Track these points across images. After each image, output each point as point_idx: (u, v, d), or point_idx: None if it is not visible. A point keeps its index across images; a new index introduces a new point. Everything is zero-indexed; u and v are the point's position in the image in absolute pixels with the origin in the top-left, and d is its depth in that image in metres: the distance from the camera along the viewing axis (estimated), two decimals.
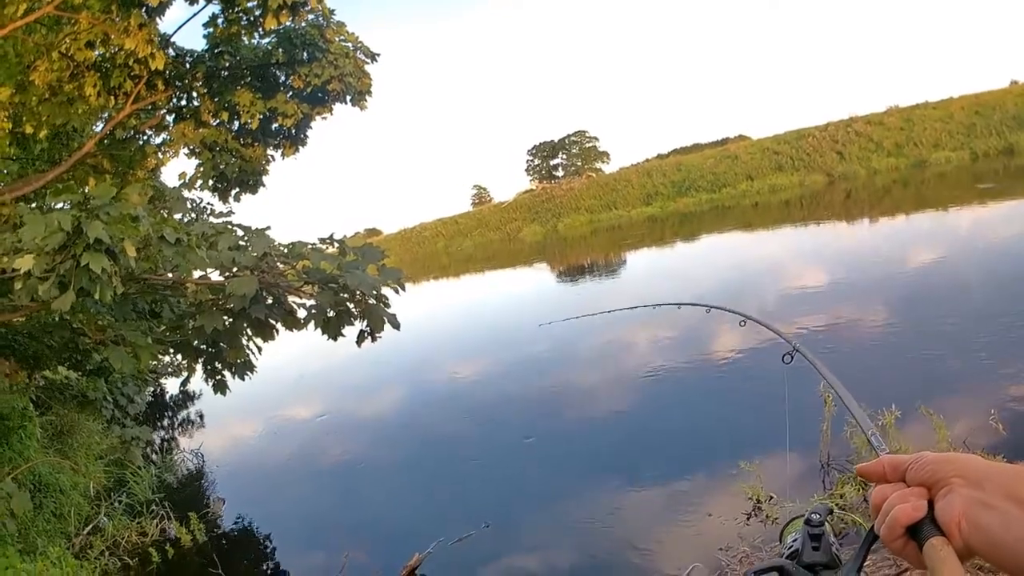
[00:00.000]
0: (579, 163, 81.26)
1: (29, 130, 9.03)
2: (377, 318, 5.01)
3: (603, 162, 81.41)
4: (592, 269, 31.27)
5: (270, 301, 5.23)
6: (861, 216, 29.15)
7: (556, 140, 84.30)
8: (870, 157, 45.76)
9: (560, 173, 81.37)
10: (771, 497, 6.61)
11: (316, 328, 5.16)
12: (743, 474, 6.81)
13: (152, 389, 17.07)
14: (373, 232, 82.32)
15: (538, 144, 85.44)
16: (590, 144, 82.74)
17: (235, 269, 5.24)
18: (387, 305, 5.10)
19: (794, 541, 1.35)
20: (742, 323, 4.99)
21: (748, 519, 6.53)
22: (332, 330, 5.10)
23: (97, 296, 4.50)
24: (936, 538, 0.81)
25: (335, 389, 17.03)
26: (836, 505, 6.12)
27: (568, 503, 7.88)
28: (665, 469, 8.29)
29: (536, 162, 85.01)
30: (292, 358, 18.50)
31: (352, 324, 5.18)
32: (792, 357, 3.49)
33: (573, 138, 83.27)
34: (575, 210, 58.01)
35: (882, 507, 0.90)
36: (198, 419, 15.94)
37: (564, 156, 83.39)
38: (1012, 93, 46.92)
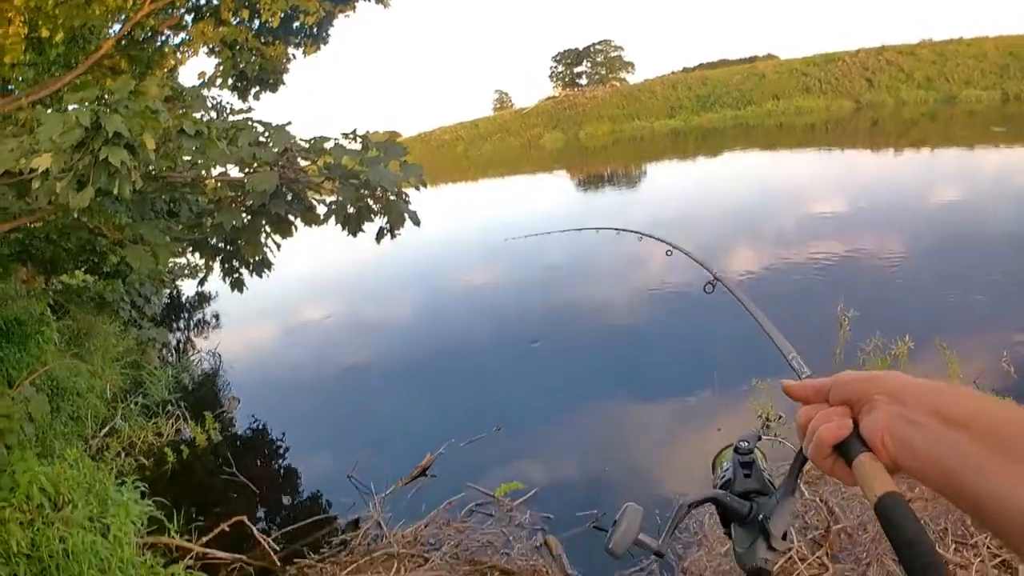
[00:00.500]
0: (603, 72, 79.76)
1: (45, 34, 8.85)
2: (398, 214, 4.96)
3: (628, 72, 79.87)
4: (607, 179, 30.95)
5: (290, 197, 5.18)
6: (886, 146, 28.68)
7: (581, 48, 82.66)
8: (899, 87, 44.76)
9: (584, 81, 79.98)
10: (780, 416, 6.63)
11: (336, 224, 5.13)
12: (754, 392, 6.81)
13: (168, 291, 17.13)
14: (393, 134, 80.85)
15: (563, 51, 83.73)
16: (615, 53, 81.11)
17: (255, 165, 5.18)
18: (407, 201, 5.05)
19: (726, 471, 1.32)
20: (668, 253, 4.88)
21: (757, 438, 6.56)
22: (352, 226, 5.07)
23: (116, 191, 4.45)
24: (864, 454, 0.82)
25: (349, 293, 17.10)
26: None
27: (578, 411, 7.95)
28: (674, 382, 8.33)
29: (560, 69, 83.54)
30: (305, 265, 18.56)
31: (372, 220, 5.14)
32: (713, 287, 3.37)
33: (598, 46, 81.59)
34: (597, 119, 56.71)
35: (808, 427, 0.91)
36: (214, 320, 16.02)
37: (588, 64, 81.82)
38: None
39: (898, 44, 49.12)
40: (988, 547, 4.42)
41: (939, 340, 6.57)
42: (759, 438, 1.27)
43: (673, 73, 66.12)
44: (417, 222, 5.09)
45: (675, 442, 7.13)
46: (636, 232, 3.97)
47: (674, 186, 26.19)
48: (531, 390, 9.03)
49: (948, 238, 12.53)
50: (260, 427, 9.68)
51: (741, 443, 1.31)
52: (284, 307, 15.86)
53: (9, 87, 9.66)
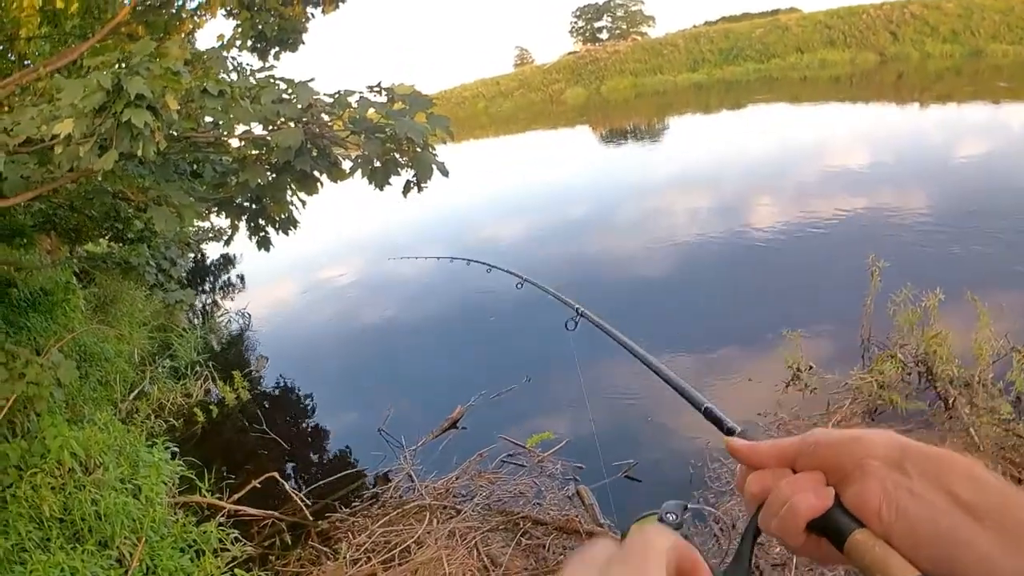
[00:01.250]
0: (624, 26, 79.10)
1: (60, 4, 8.82)
2: (425, 166, 4.94)
3: (649, 26, 79.11)
4: (630, 133, 30.71)
5: (315, 153, 5.17)
6: (911, 100, 28.25)
7: (601, 2, 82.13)
8: (924, 41, 43.94)
9: (604, 36, 79.33)
10: (811, 367, 6.62)
11: (363, 178, 5.12)
12: (785, 342, 6.79)
13: (194, 255, 17.28)
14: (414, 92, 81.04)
15: (583, 6, 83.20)
16: (636, 7, 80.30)
17: (279, 121, 5.17)
18: (435, 153, 5.02)
19: None
20: (519, 286, 4.77)
21: (787, 387, 6.57)
22: (379, 179, 5.05)
23: (140, 152, 4.45)
24: (860, 531, 0.69)
25: (372, 250, 17.16)
26: (875, 382, 6.12)
27: (605, 361, 7.93)
28: (707, 335, 8.32)
29: (580, 24, 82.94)
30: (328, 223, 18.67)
31: (399, 174, 5.13)
32: (576, 323, 3.22)
33: (619, 1, 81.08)
34: (619, 73, 56.24)
35: (768, 499, 0.77)
36: (239, 282, 16.21)
37: (609, 19, 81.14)
38: None
39: None
40: None
41: (970, 293, 6.49)
42: (685, 508, 0.97)
43: (695, 27, 65.13)
44: (445, 173, 5.06)
45: (706, 393, 7.12)
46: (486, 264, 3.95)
47: (696, 142, 25.93)
48: (560, 340, 9.04)
49: (977, 192, 12.37)
50: (289, 385, 9.77)
51: (667, 515, 0.99)
52: (308, 266, 16.00)
53: (26, 63, 9.65)
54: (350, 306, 12.98)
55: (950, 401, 5.81)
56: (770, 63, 48.54)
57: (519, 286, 4.67)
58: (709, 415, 1.15)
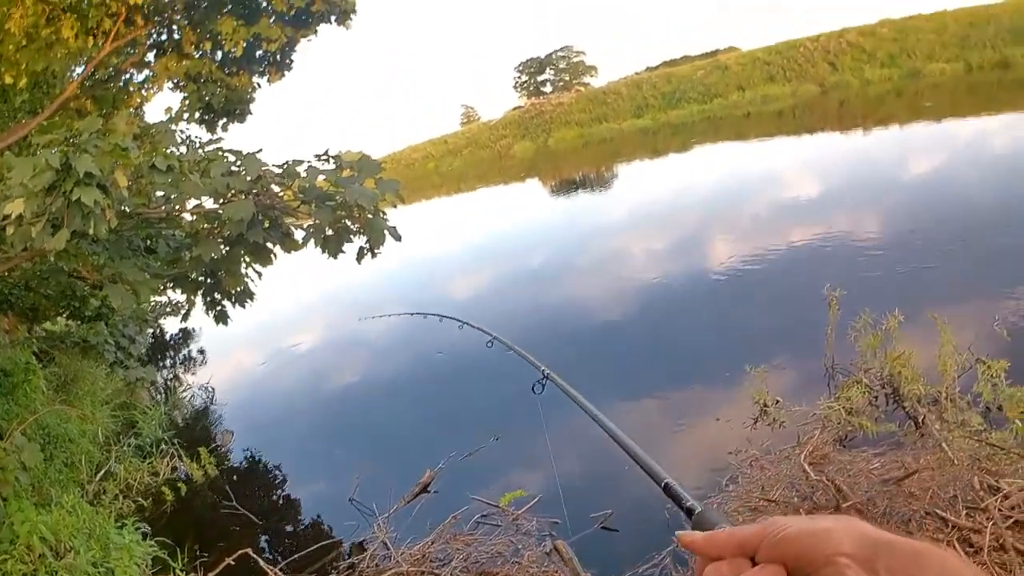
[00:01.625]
0: (567, 78, 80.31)
1: (9, 80, 8.80)
2: (378, 232, 4.92)
3: (591, 76, 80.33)
4: (578, 182, 30.98)
5: (267, 224, 5.14)
6: (854, 126, 28.90)
7: (543, 56, 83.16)
8: (863, 68, 45.14)
9: (548, 89, 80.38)
10: (777, 401, 6.64)
11: (316, 247, 5.08)
12: (749, 378, 6.80)
13: (152, 331, 17.08)
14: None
15: (525, 60, 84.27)
16: (577, 59, 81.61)
17: (230, 194, 5.14)
18: (386, 218, 5.01)
19: None
20: (489, 344, 4.76)
21: (755, 423, 6.57)
22: (332, 248, 5.02)
23: (92, 231, 4.43)
24: None
25: (331, 315, 17.08)
26: (843, 409, 6.15)
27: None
28: (673, 377, 8.32)
29: (524, 78, 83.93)
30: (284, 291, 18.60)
31: (351, 241, 5.10)
32: (543, 386, 3.20)
33: (560, 53, 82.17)
34: (565, 124, 57.10)
35: None
36: (199, 356, 16.01)
37: (552, 71, 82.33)
38: (1007, 7, 46.20)
39: (859, 26, 49.60)
40: (1000, 510, 4.43)
41: (930, 312, 6.57)
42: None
43: (637, 74, 66.41)
44: (398, 237, 5.04)
45: (676, 437, 7.10)
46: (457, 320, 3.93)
47: (645, 186, 26.34)
48: (527, 399, 8.98)
49: (921, 209, 12.66)
50: (257, 458, 9.62)
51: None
52: (269, 334, 15.86)
53: None
54: (314, 372, 12.86)
55: (920, 419, 5.86)
56: (713, 103, 49.48)
57: (489, 344, 4.65)
58: (669, 491, 1.13)
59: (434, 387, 10.48)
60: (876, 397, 6.45)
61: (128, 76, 10.93)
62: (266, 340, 15.60)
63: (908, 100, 33.45)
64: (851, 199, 15.03)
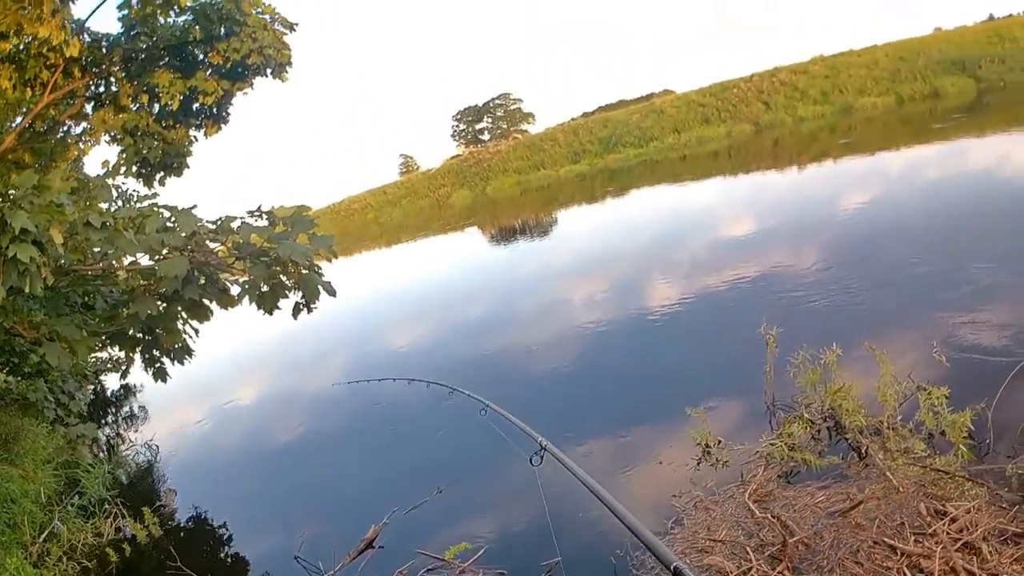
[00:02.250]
0: (504, 125, 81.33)
1: None
2: (312, 288, 4.91)
3: (528, 123, 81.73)
4: (517, 230, 31.21)
5: (202, 281, 5.09)
6: (788, 163, 29.61)
7: (480, 104, 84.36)
8: (796, 105, 46.41)
9: (486, 136, 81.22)
10: (720, 441, 6.68)
11: (251, 304, 5.05)
12: (690, 419, 6.83)
13: (93, 387, 16.74)
14: (302, 208, 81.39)
15: (462, 109, 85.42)
16: (514, 106, 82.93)
17: (164, 251, 5.09)
18: (320, 274, 5.00)
19: None
20: (483, 412, 4.78)
21: (698, 464, 6.59)
22: (267, 304, 4.98)
23: (28, 289, 4.37)
24: None
25: (272, 368, 16.90)
26: (785, 445, 6.21)
27: (517, 460, 7.88)
28: (613, 422, 8.31)
29: (461, 127, 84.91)
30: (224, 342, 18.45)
31: (287, 297, 5.07)
32: (541, 458, 3.22)
33: (497, 101, 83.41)
34: (503, 172, 58.20)
35: None
36: (142, 412, 15.69)
37: (489, 119, 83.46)
38: (936, 39, 48.14)
39: (790, 64, 51.06)
40: (948, 533, 4.49)
41: (867, 343, 6.69)
42: None
43: (573, 119, 67.92)
44: (332, 293, 5.03)
45: (619, 482, 7.10)
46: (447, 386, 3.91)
47: (579, 230, 26.68)
48: (464, 449, 8.93)
49: (856, 244, 12.95)
50: (201, 516, 9.41)
51: None
52: (212, 391, 15.60)
53: None
54: (255, 426, 12.68)
55: (863, 450, 5.93)
56: (649, 146, 50.55)
57: (483, 412, 4.61)
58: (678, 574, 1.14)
59: (372, 440, 10.37)
60: (818, 431, 6.52)
61: (66, 128, 10.84)
62: (208, 396, 15.34)
63: (840, 135, 34.32)
64: (784, 236, 15.37)
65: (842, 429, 6.34)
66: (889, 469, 5.46)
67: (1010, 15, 52.27)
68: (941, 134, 25.80)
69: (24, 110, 9.71)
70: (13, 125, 10.03)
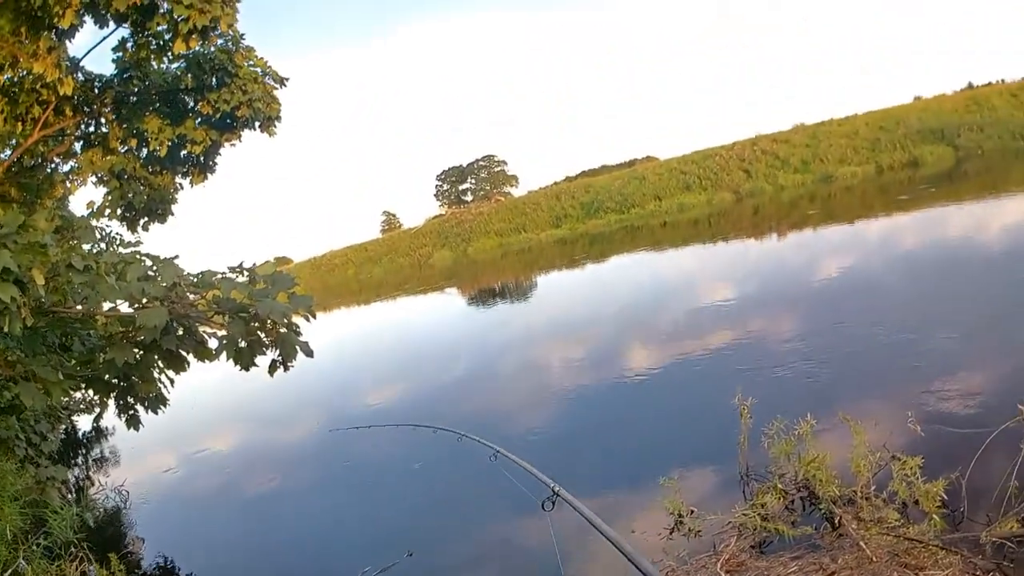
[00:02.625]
0: (488, 187, 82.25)
1: None
2: (289, 346, 4.93)
3: (512, 186, 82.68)
4: (496, 293, 31.35)
5: (181, 332, 5.10)
6: (768, 231, 29.97)
7: (464, 165, 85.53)
8: (776, 174, 47.25)
9: (469, 198, 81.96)
10: (692, 510, 6.65)
11: (228, 359, 5.05)
12: (664, 489, 6.81)
13: (65, 427, 16.53)
14: (283, 260, 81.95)
15: (446, 169, 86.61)
16: (498, 168, 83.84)
17: (144, 300, 5.10)
18: (298, 333, 5.02)
19: None
20: (493, 457, 4.80)
21: (671, 533, 6.57)
22: (244, 360, 5.00)
23: (6, 328, 4.37)
24: None
25: (245, 420, 16.74)
26: (758, 515, 6.21)
27: (488, 526, 7.82)
28: (586, 490, 8.24)
29: (445, 187, 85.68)
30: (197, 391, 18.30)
31: (264, 354, 5.09)
32: (553, 504, 3.23)
33: (481, 163, 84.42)
34: (485, 234, 58.78)
35: None
36: (112, 456, 15.49)
37: (473, 181, 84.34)
38: (915, 108, 49.29)
39: (772, 133, 52.19)
40: None
41: (841, 413, 6.73)
42: None
43: (556, 183, 69.18)
44: (309, 353, 5.05)
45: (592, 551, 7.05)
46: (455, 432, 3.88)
47: (559, 295, 26.85)
48: (438, 510, 8.86)
49: (829, 312, 13.09)
50: (167, 564, 9.26)
51: None
52: (182, 437, 15.42)
53: None
54: (226, 477, 12.46)
55: (836, 520, 5.92)
56: (631, 212, 51.28)
57: (493, 458, 4.59)
58: None
59: (343, 497, 10.26)
60: (792, 501, 6.52)
61: (54, 165, 10.88)
62: (189, 444, 15.15)
63: (819, 204, 34.83)
64: (760, 304, 15.53)
65: (816, 499, 6.34)
66: (863, 539, 5.46)
67: (989, 83, 53.70)
68: (916, 203, 26.29)
69: (14, 143, 9.75)
70: (2, 157, 10.07)
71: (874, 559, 5.17)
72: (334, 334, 27.45)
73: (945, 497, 5.60)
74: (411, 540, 7.74)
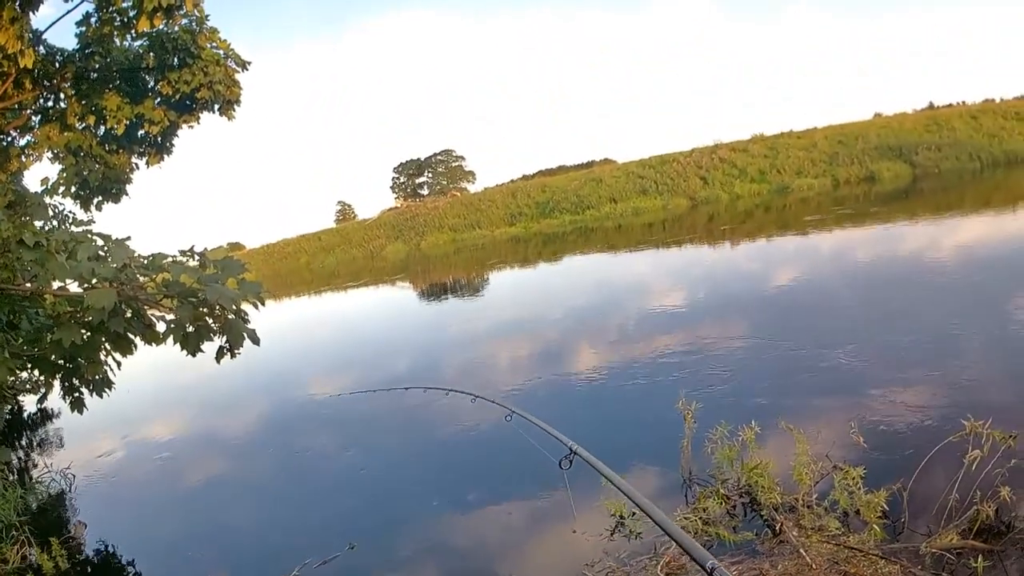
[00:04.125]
0: (445, 182, 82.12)
1: None
2: (237, 333, 4.89)
3: (469, 182, 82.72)
4: (447, 288, 31.34)
5: (129, 315, 5.04)
6: (720, 238, 30.30)
7: (423, 158, 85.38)
8: (733, 183, 47.90)
9: (425, 191, 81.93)
10: (633, 513, 6.69)
11: (175, 343, 5.01)
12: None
13: (9, 407, 16.21)
14: (236, 246, 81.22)
15: (404, 162, 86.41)
16: (456, 163, 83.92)
17: (94, 280, 5.03)
18: (246, 320, 4.99)
19: None
20: (508, 418, 4.86)
21: (612, 535, 6.60)
22: (191, 345, 4.96)
23: None
24: None
25: (193, 406, 16.55)
26: (700, 520, 6.28)
27: (430, 523, 7.81)
28: (528, 488, 8.26)
29: (402, 180, 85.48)
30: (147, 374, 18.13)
31: (212, 339, 5.05)
32: (571, 462, 3.30)
33: (439, 157, 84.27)
34: (438, 228, 58.95)
35: None
36: (57, 439, 15.23)
37: (430, 174, 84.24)
38: (875, 124, 50.14)
39: (731, 141, 52.71)
40: None
41: (783, 422, 6.81)
42: None
43: (512, 181, 69.39)
44: (256, 341, 5.02)
45: (530, 549, 7.08)
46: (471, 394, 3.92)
47: (510, 294, 26.77)
48: (385, 505, 8.83)
49: (777, 320, 13.30)
50: (109, 552, 9.11)
51: None
52: (128, 422, 15.21)
53: None
54: (168, 465, 12.23)
55: (777, 527, 5.98)
56: (586, 214, 51.76)
57: (508, 418, 4.64)
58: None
59: (287, 486, 10.21)
60: (734, 507, 6.59)
61: (10, 139, 10.69)
62: (123, 428, 14.96)
63: (775, 215, 35.29)
64: (710, 310, 15.69)
65: (757, 505, 6.42)
66: (803, 546, 5.53)
67: (949, 105, 54.67)
68: (873, 217, 26.78)
69: None
70: None
71: (814, 566, 5.24)
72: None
73: (887, 508, 5.68)
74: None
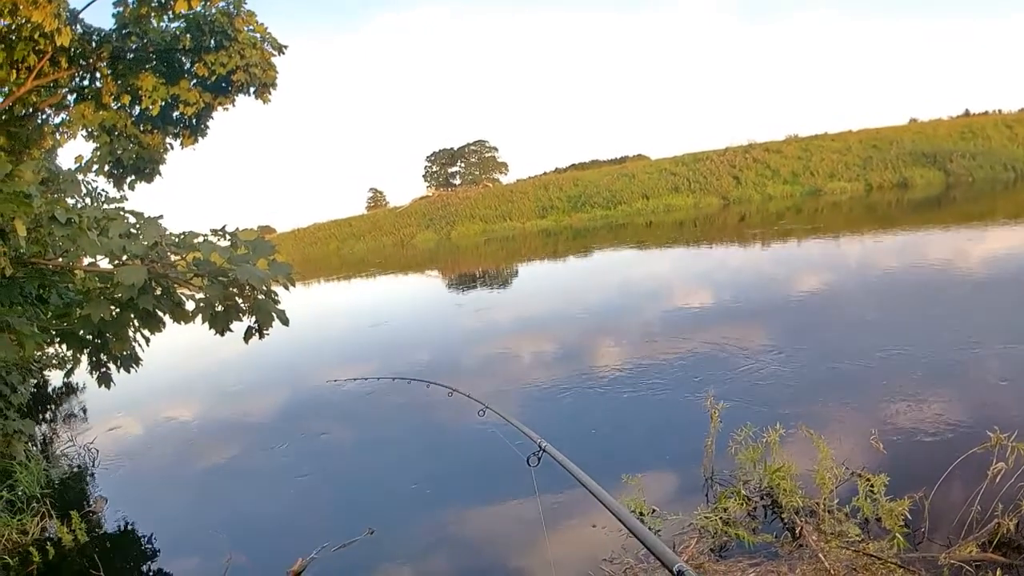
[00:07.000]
0: (477, 172, 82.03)
1: None
2: (266, 314, 4.91)
3: (501, 173, 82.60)
4: (476, 279, 31.33)
5: (159, 292, 5.08)
6: (752, 239, 30.05)
7: (456, 148, 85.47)
8: (766, 183, 47.39)
9: (457, 181, 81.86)
10: (654, 510, 6.67)
11: (204, 322, 5.03)
12: (626, 487, 6.82)
13: (36, 381, 16.39)
14: (267, 230, 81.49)
15: (437, 151, 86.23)
16: (489, 154, 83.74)
17: (125, 257, 5.06)
18: (276, 301, 5.00)
19: None
20: (481, 412, 4.87)
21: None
22: (220, 325, 4.98)
23: None
24: None
25: (219, 387, 16.63)
26: (720, 519, 6.25)
27: (448, 512, 7.82)
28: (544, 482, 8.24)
29: (434, 169, 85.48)
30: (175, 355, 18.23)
31: (240, 319, 5.07)
32: (539, 459, 3.29)
33: (472, 147, 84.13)
34: (469, 219, 58.54)
35: None
36: (82, 414, 15.37)
37: (462, 164, 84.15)
38: (910, 130, 49.53)
39: (765, 141, 52.16)
40: None
41: (804, 426, 6.76)
42: None
43: (545, 174, 69.13)
44: (285, 322, 5.04)
45: (552, 545, 7.06)
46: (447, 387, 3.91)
47: (541, 288, 26.66)
48: (404, 492, 8.85)
49: (807, 324, 13.19)
50: (129, 527, 9.20)
51: None
52: (153, 400, 15.34)
53: None
54: (193, 443, 12.30)
55: (797, 530, 5.96)
56: (617, 209, 51.26)
57: (481, 413, 4.69)
58: None
59: (301, 472, 10.23)
60: (754, 508, 6.56)
61: (45, 116, 10.79)
62: (149, 406, 15.09)
63: (806, 217, 34.95)
64: (739, 311, 15.54)
65: (778, 508, 6.39)
66: (822, 551, 5.50)
67: (985, 112, 53.90)
68: (905, 223, 26.48)
69: (6, 91, 9.67)
70: None
71: (832, 572, 5.21)
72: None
73: (908, 516, 5.64)
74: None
